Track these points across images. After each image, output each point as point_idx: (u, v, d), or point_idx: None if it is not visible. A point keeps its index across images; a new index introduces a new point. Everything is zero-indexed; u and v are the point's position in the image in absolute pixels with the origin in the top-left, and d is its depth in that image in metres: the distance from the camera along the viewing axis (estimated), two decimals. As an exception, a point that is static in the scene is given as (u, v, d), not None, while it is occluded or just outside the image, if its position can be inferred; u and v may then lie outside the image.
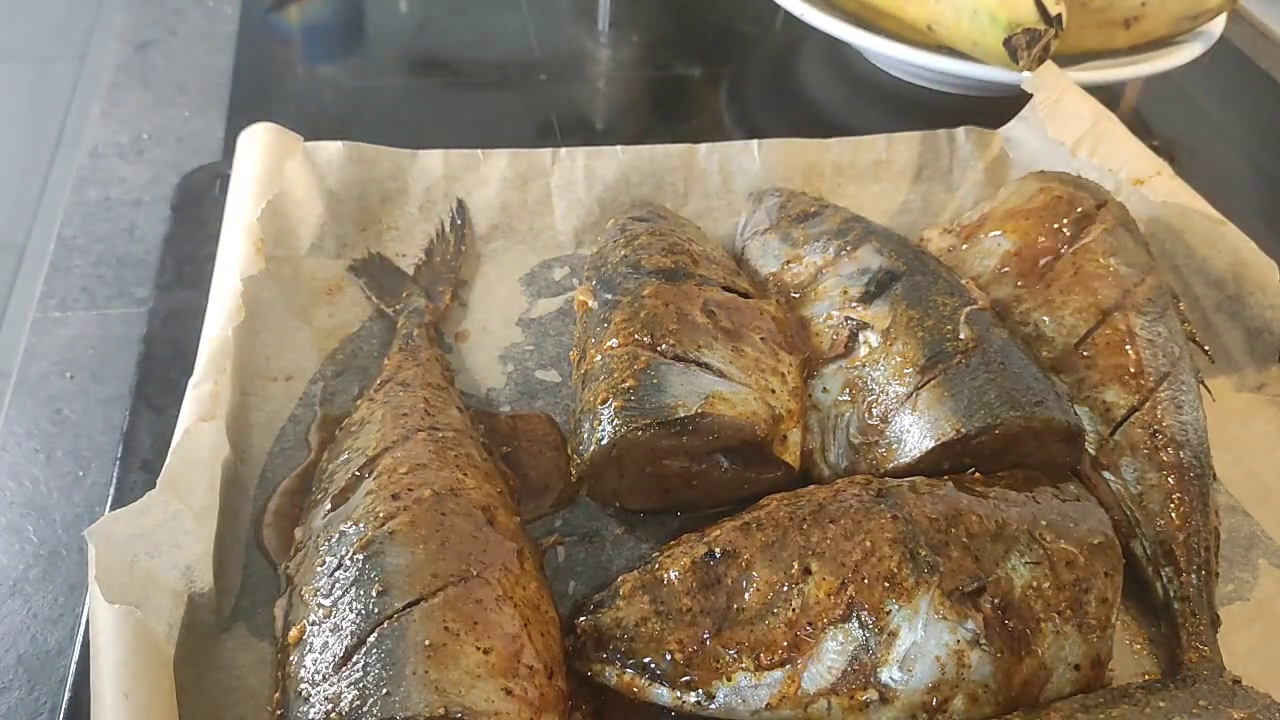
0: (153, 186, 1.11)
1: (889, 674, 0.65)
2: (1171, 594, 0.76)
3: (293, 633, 0.63)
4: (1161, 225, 1.00)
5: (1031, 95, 1.09)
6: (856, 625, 0.65)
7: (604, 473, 0.76)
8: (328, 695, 0.59)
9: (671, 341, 0.79)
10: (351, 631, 0.61)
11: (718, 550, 0.68)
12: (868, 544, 0.67)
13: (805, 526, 0.68)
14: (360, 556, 0.65)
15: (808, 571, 0.66)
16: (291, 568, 0.69)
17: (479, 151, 1.04)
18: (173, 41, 1.36)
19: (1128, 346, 0.84)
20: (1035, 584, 0.68)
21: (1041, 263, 0.90)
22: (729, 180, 1.07)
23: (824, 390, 0.83)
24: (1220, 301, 0.97)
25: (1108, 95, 1.14)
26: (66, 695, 0.68)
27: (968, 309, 0.83)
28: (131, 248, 1.04)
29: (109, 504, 0.79)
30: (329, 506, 0.71)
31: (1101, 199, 0.94)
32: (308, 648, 0.62)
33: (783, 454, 0.78)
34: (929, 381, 0.78)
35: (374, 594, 0.62)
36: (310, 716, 0.58)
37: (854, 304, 0.85)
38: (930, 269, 0.88)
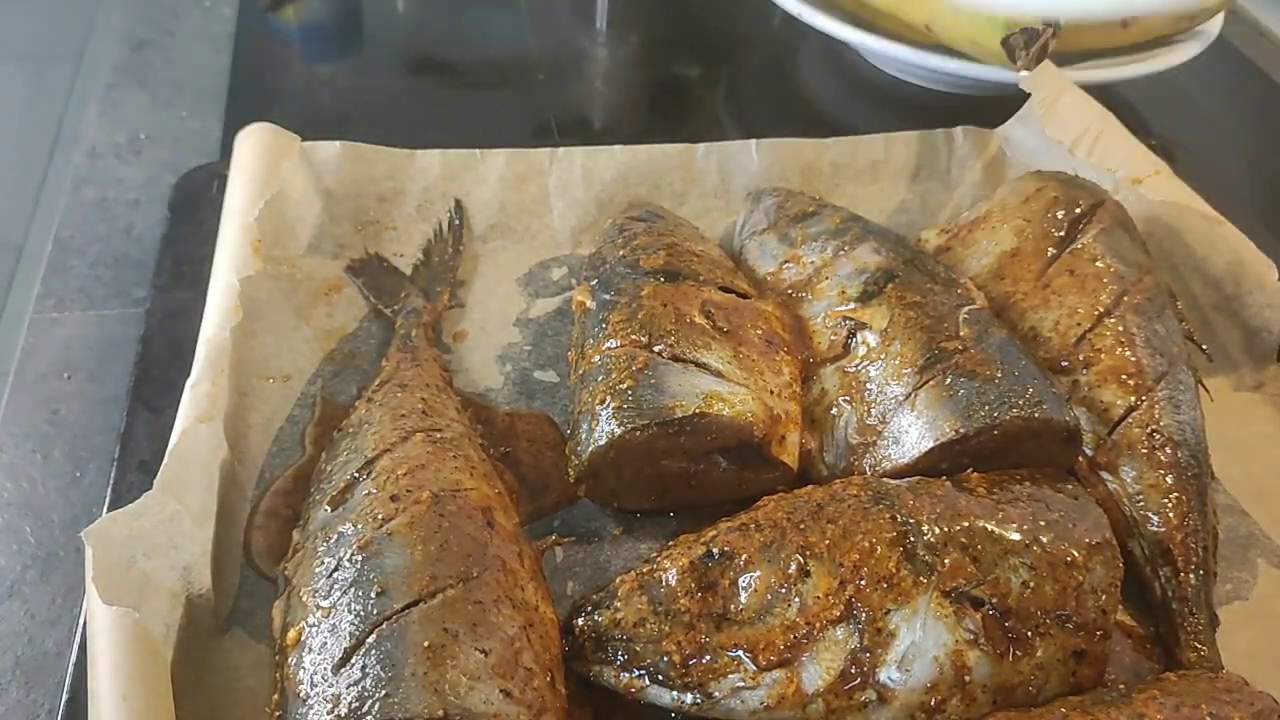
0: (150, 187, 1.11)
1: (887, 674, 0.65)
2: (1170, 594, 0.76)
3: (291, 634, 0.63)
4: (1159, 224, 1.00)
5: (1030, 95, 1.09)
6: (855, 626, 0.65)
7: (602, 473, 0.76)
8: (326, 697, 0.59)
9: (669, 342, 0.79)
10: (350, 633, 0.61)
11: (716, 551, 0.68)
12: (866, 544, 0.67)
13: (803, 527, 0.68)
14: (359, 557, 0.64)
15: (806, 572, 0.66)
16: (290, 569, 0.69)
17: (477, 151, 1.04)
18: (170, 41, 1.35)
19: (1125, 346, 0.83)
20: (1033, 584, 0.68)
21: (1039, 262, 0.90)
22: (727, 180, 1.07)
23: (822, 391, 0.83)
24: (1218, 301, 0.97)
25: (1106, 95, 1.14)
26: (64, 697, 0.68)
27: (966, 309, 0.83)
28: (129, 248, 1.03)
29: (106, 505, 0.79)
30: (327, 508, 0.71)
31: (1099, 198, 0.94)
32: (306, 649, 0.62)
33: (781, 454, 0.78)
34: (927, 382, 0.78)
35: (373, 595, 0.62)
36: (309, 718, 0.58)
37: (852, 304, 0.85)
38: (928, 269, 0.87)
